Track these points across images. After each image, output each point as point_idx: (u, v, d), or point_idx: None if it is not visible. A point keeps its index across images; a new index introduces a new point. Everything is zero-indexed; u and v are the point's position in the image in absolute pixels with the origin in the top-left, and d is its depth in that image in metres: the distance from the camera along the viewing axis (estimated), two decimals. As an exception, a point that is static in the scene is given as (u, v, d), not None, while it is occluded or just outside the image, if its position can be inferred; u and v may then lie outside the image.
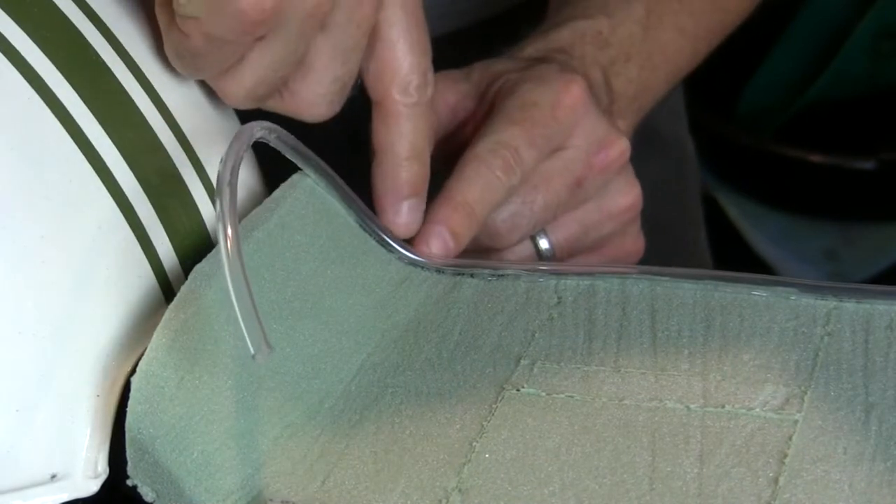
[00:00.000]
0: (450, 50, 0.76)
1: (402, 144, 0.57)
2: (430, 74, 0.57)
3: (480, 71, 0.66)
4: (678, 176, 0.89)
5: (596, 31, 0.70)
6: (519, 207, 0.62)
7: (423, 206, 0.59)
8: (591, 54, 0.69)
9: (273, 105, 0.56)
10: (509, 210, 0.62)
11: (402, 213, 0.58)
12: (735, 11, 0.77)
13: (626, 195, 0.65)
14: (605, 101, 0.69)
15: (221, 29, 0.50)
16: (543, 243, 0.64)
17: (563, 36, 0.70)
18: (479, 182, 0.60)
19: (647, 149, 0.80)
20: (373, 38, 0.56)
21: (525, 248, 0.64)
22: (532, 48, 0.69)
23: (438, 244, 0.59)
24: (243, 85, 0.54)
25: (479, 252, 0.63)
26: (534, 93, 0.63)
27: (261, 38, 0.52)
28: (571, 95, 0.63)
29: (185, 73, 0.54)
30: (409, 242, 0.59)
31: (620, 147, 0.64)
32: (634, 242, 0.68)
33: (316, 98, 0.55)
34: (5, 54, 0.49)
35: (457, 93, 0.65)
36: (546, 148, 0.62)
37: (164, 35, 0.53)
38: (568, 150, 0.63)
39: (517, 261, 0.64)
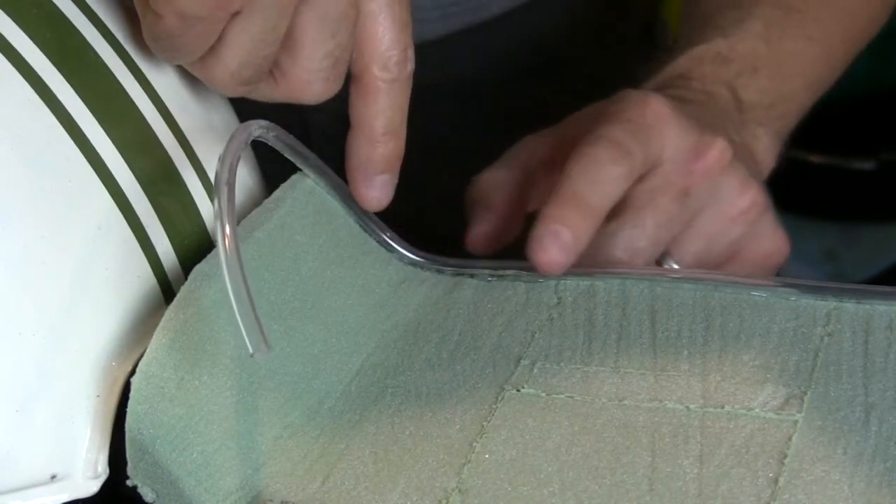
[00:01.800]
0: (449, 51, 0.76)
1: (380, 120, 0.56)
2: (411, 51, 0.56)
3: (572, 119, 0.65)
4: None
5: (714, 51, 0.70)
6: (631, 232, 0.60)
7: (395, 182, 0.57)
8: (712, 73, 0.69)
9: (267, 91, 0.55)
10: (623, 237, 0.60)
11: (375, 187, 0.57)
12: (863, 15, 0.77)
13: (742, 194, 0.63)
14: (734, 114, 0.68)
15: (193, 5, 0.49)
16: (671, 266, 0.62)
17: (679, 64, 0.69)
18: (587, 173, 0.59)
19: None
20: None
21: None
22: (651, 83, 0.69)
23: (555, 244, 0.56)
24: (227, 67, 0.52)
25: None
26: (616, 106, 0.62)
27: (237, 15, 0.51)
28: (652, 105, 0.62)
29: (165, 59, 0.53)
30: (521, 257, 0.57)
31: (718, 147, 0.62)
32: (772, 240, 0.66)
33: (309, 76, 0.54)
34: (5, 54, 0.49)
35: (548, 146, 0.64)
36: (646, 145, 0.61)
37: (141, 20, 0.52)
38: (663, 165, 0.62)
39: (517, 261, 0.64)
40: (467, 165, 0.74)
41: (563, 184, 0.59)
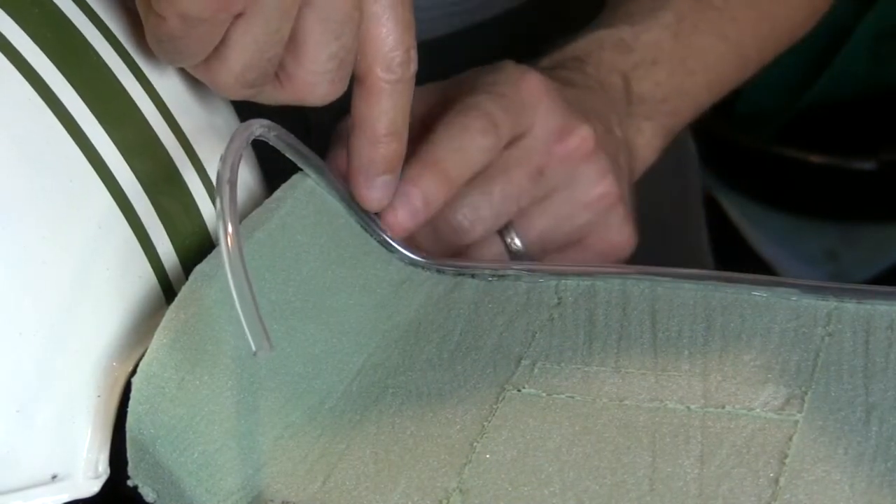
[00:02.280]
0: (449, 51, 0.76)
1: (382, 121, 0.56)
2: (414, 52, 0.56)
3: (454, 81, 0.66)
4: (679, 176, 0.89)
5: (617, 38, 0.70)
6: (477, 198, 0.61)
7: (396, 183, 0.58)
8: (609, 60, 0.69)
9: (272, 94, 0.55)
10: (467, 202, 0.61)
11: (376, 188, 0.57)
12: (788, 20, 0.76)
13: (596, 184, 0.64)
14: (622, 105, 0.68)
15: (195, 6, 0.49)
16: (513, 239, 0.63)
17: (579, 45, 0.69)
18: (451, 142, 0.60)
19: None
20: None
21: (495, 246, 0.63)
22: (547, 60, 0.69)
23: (405, 207, 0.58)
24: (231, 70, 0.52)
25: (448, 251, 0.62)
26: (494, 77, 0.63)
27: (240, 17, 0.51)
28: (528, 80, 0.63)
29: (168, 62, 0.53)
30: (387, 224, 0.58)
31: (581, 134, 0.63)
32: (619, 233, 0.66)
33: (314, 78, 0.54)
34: (6, 54, 0.49)
35: (426, 104, 0.64)
36: (516, 121, 0.61)
37: (143, 22, 0.52)
38: (525, 139, 0.62)
39: (518, 261, 0.64)
40: None
41: (428, 148, 0.60)
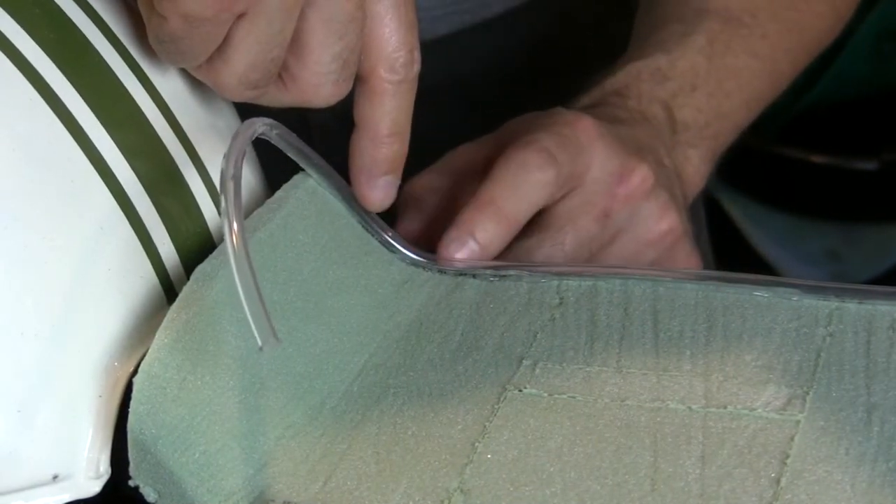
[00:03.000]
0: (451, 50, 0.76)
1: (385, 122, 0.56)
2: (417, 52, 0.56)
3: (506, 128, 0.66)
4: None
5: (654, 68, 0.70)
6: (550, 251, 0.61)
7: (398, 183, 0.58)
8: (649, 91, 0.69)
9: (276, 95, 0.55)
10: (541, 254, 0.61)
11: (378, 188, 0.57)
12: (815, 29, 0.76)
13: (660, 220, 0.64)
14: (667, 135, 0.68)
15: (197, 6, 0.49)
16: None
17: (617, 79, 0.69)
18: (508, 179, 0.59)
19: None
20: None
21: None
22: (587, 98, 0.69)
23: (462, 251, 0.58)
24: (234, 71, 0.52)
25: None
26: (549, 119, 0.63)
27: (243, 17, 0.51)
28: (584, 124, 0.63)
29: (170, 62, 0.53)
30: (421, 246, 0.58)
31: (641, 173, 0.63)
32: (686, 264, 0.66)
33: (318, 79, 0.54)
34: (7, 55, 0.50)
35: (483, 156, 0.64)
36: (574, 160, 0.61)
37: (146, 23, 0.52)
38: (587, 185, 0.62)
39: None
40: None
41: (485, 187, 0.60)
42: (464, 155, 0.65)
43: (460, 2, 0.76)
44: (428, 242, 0.62)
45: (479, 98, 0.78)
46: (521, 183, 0.60)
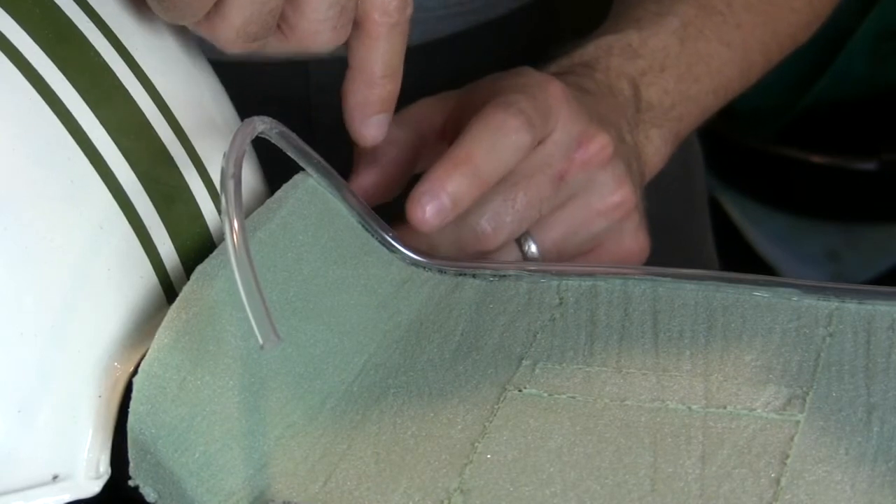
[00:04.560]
0: (454, 51, 0.76)
1: (378, 63, 0.57)
2: None
3: (470, 87, 0.66)
4: (685, 176, 0.89)
5: (625, 43, 0.70)
6: (501, 205, 0.61)
7: (390, 120, 0.59)
8: (618, 66, 0.69)
9: (277, 45, 0.55)
10: (491, 208, 0.61)
11: (371, 126, 0.58)
12: (790, 24, 0.76)
13: (613, 192, 0.64)
14: (631, 111, 0.68)
15: None
16: (530, 246, 0.63)
17: (587, 51, 0.69)
18: (486, 140, 0.59)
19: None
20: None
21: (512, 252, 0.63)
22: (555, 66, 0.69)
23: (432, 205, 0.58)
24: (232, 24, 0.53)
25: (465, 256, 0.62)
26: (518, 80, 0.63)
27: None
28: (552, 86, 0.63)
29: (170, 20, 0.54)
30: (403, 220, 0.58)
31: (601, 141, 0.63)
32: (634, 240, 0.66)
33: (316, 27, 0.54)
34: (7, 54, 0.49)
35: (442, 113, 0.65)
36: (545, 124, 0.61)
37: None
38: (546, 145, 0.62)
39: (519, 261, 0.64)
40: None
41: (461, 143, 0.59)
42: (424, 109, 0.65)
43: (464, 2, 0.76)
44: (384, 193, 0.62)
45: None
46: (499, 145, 0.60)
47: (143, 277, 0.51)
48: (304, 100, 0.75)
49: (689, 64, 0.71)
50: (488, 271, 0.57)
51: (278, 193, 0.55)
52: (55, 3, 0.52)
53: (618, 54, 0.69)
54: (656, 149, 0.70)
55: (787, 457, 0.47)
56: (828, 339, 0.51)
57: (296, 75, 0.74)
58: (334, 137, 0.68)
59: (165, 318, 0.49)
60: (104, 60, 0.52)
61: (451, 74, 0.72)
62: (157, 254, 0.51)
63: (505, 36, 0.78)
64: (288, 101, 0.74)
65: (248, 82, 0.67)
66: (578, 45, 0.70)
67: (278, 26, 0.54)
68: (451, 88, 0.73)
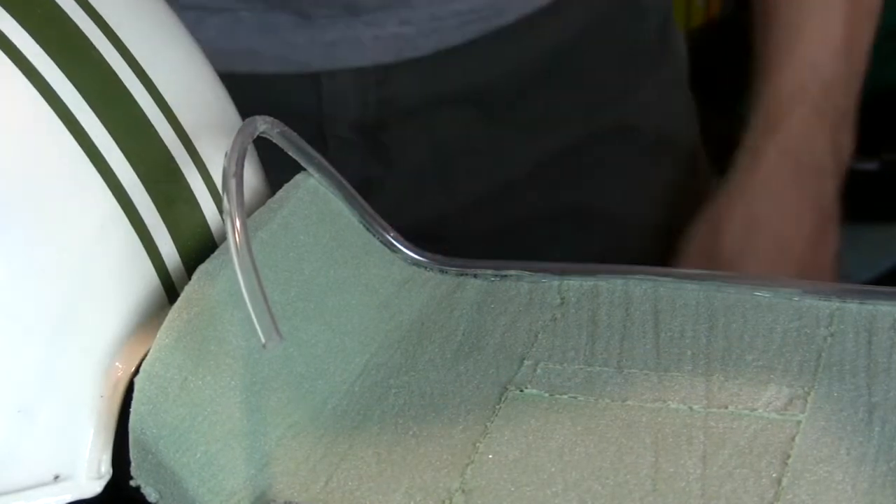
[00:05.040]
0: (465, 60, 0.76)
1: None
2: None
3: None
4: (691, 178, 0.89)
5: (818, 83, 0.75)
6: None
7: None
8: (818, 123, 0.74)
9: None
10: None
11: None
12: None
13: None
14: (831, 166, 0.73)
15: None
16: None
17: (794, 117, 0.74)
18: None
19: (661, 154, 0.79)
20: None
21: None
22: (774, 145, 0.73)
23: None
24: None
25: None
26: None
27: None
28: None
29: None
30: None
31: None
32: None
33: None
34: (8, 54, 0.49)
35: None
36: None
37: None
38: None
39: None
40: (483, 171, 0.73)
41: None
42: None
43: (475, 10, 0.76)
44: None
45: (494, 106, 0.78)
46: None
47: (144, 277, 0.51)
48: (317, 112, 0.74)
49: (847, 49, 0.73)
50: (489, 271, 0.57)
51: (279, 193, 0.55)
52: (57, 4, 0.52)
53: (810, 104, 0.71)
54: (849, 141, 0.74)
55: (789, 457, 0.47)
56: (829, 339, 0.51)
57: (307, 87, 0.74)
58: (348, 149, 0.68)
59: (167, 318, 0.49)
60: (106, 61, 0.52)
61: (463, 82, 0.72)
62: (159, 254, 0.51)
63: (516, 43, 0.78)
64: (300, 113, 0.74)
65: (258, 95, 0.67)
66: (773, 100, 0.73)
67: None
68: (463, 96, 0.73)
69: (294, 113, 0.71)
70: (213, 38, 0.70)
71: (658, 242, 0.70)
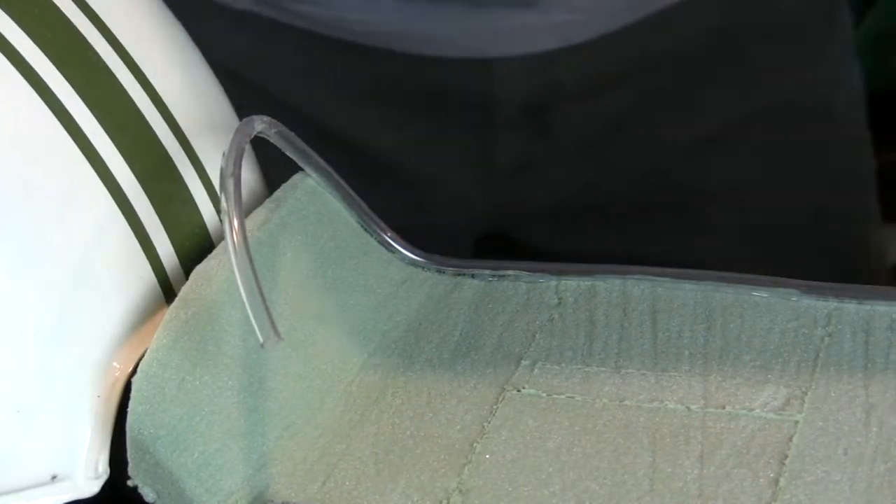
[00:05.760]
0: (636, 38, 0.76)
1: None
2: None
3: None
4: (857, 158, 0.88)
5: None
6: None
7: None
8: None
9: None
10: None
11: None
12: None
13: None
14: None
15: None
16: None
17: None
18: None
19: (825, 134, 0.79)
20: None
21: None
22: None
23: None
24: None
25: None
26: None
27: None
28: None
29: None
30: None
31: None
32: None
33: None
34: (5, 54, 0.49)
35: None
36: None
37: None
38: None
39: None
40: (640, 150, 0.75)
41: None
42: None
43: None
44: None
45: (652, 86, 0.78)
46: None
47: (141, 277, 0.51)
48: (486, 94, 0.75)
49: None
50: (487, 271, 0.57)
51: (277, 193, 0.55)
52: (53, 3, 0.52)
53: None
54: None
55: (786, 457, 0.47)
56: (826, 339, 0.51)
57: (478, 71, 0.74)
58: (511, 129, 0.69)
59: (164, 319, 0.49)
60: (103, 60, 0.53)
61: (626, 62, 0.73)
62: (156, 254, 0.51)
63: (678, 22, 0.77)
64: (470, 94, 0.74)
65: (430, 77, 0.70)
66: None
67: None
68: (626, 76, 0.74)
69: (464, 94, 0.73)
70: (390, 19, 0.71)
71: (818, 224, 0.70)
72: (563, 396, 0.51)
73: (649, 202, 0.78)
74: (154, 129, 0.53)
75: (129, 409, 0.48)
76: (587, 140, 0.69)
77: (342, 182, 0.57)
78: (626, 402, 0.50)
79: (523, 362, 0.53)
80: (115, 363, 0.49)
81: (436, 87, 0.71)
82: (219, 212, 0.53)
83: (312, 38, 0.72)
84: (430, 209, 0.76)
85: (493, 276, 0.57)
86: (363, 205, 0.57)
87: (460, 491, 0.48)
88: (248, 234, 0.52)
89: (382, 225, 0.58)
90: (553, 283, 0.56)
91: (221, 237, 0.52)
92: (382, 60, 0.72)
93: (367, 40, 0.72)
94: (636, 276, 0.55)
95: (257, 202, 0.55)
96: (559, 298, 0.56)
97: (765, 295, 0.53)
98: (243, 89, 0.63)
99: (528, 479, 0.48)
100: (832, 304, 0.52)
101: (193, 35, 0.59)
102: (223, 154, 0.51)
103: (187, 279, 0.51)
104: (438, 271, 0.58)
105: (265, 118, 0.54)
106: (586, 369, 0.52)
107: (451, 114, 0.72)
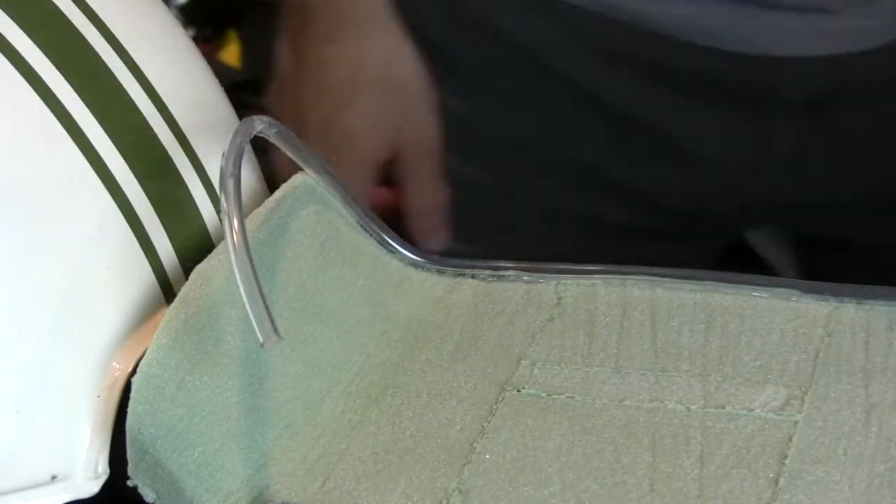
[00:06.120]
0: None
1: None
2: None
3: None
4: None
5: None
6: None
7: None
8: None
9: None
10: None
11: None
12: None
13: None
14: None
15: None
16: None
17: None
18: None
19: None
20: None
21: None
22: None
23: None
24: None
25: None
26: None
27: None
28: None
29: None
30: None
31: None
32: None
33: None
34: (5, 54, 0.49)
35: None
36: None
37: None
38: None
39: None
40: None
41: None
42: None
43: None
44: None
45: None
46: None
47: (141, 277, 0.51)
48: (768, 91, 0.75)
49: None
50: (486, 271, 0.57)
51: (277, 193, 0.55)
52: (53, 3, 0.52)
53: None
54: None
55: (786, 457, 0.47)
56: (826, 339, 0.51)
57: (764, 68, 0.75)
58: (785, 125, 0.70)
59: (164, 318, 0.49)
60: (102, 60, 0.52)
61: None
62: (156, 254, 0.51)
63: None
64: (752, 90, 0.75)
65: (715, 68, 0.73)
66: None
67: None
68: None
69: (745, 89, 0.75)
70: (679, 12, 0.72)
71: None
72: (562, 396, 0.51)
73: None
74: (154, 128, 0.53)
75: (128, 409, 0.48)
76: (861, 139, 0.70)
77: (342, 182, 0.57)
78: (626, 403, 0.50)
79: (523, 362, 0.53)
80: (114, 363, 0.49)
81: (719, 78, 0.73)
82: (219, 212, 0.53)
83: (606, 24, 0.76)
84: (704, 187, 0.79)
85: (493, 276, 0.57)
86: (362, 205, 0.57)
87: (460, 491, 0.48)
88: (248, 234, 0.52)
89: (382, 225, 0.58)
90: (552, 283, 0.56)
91: (221, 237, 0.52)
92: (666, 48, 0.75)
93: (659, 28, 0.74)
94: (636, 276, 0.55)
95: (257, 202, 0.55)
96: (559, 298, 0.56)
97: (764, 295, 0.53)
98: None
99: (528, 479, 0.48)
100: (832, 304, 0.52)
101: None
102: (223, 154, 0.51)
103: (187, 279, 0.51)
104: (438, 271, 0.58)
105: (265, 118, 0.54)
106: (586, 369, 0.52)
107: (732, 104, 0.74)
